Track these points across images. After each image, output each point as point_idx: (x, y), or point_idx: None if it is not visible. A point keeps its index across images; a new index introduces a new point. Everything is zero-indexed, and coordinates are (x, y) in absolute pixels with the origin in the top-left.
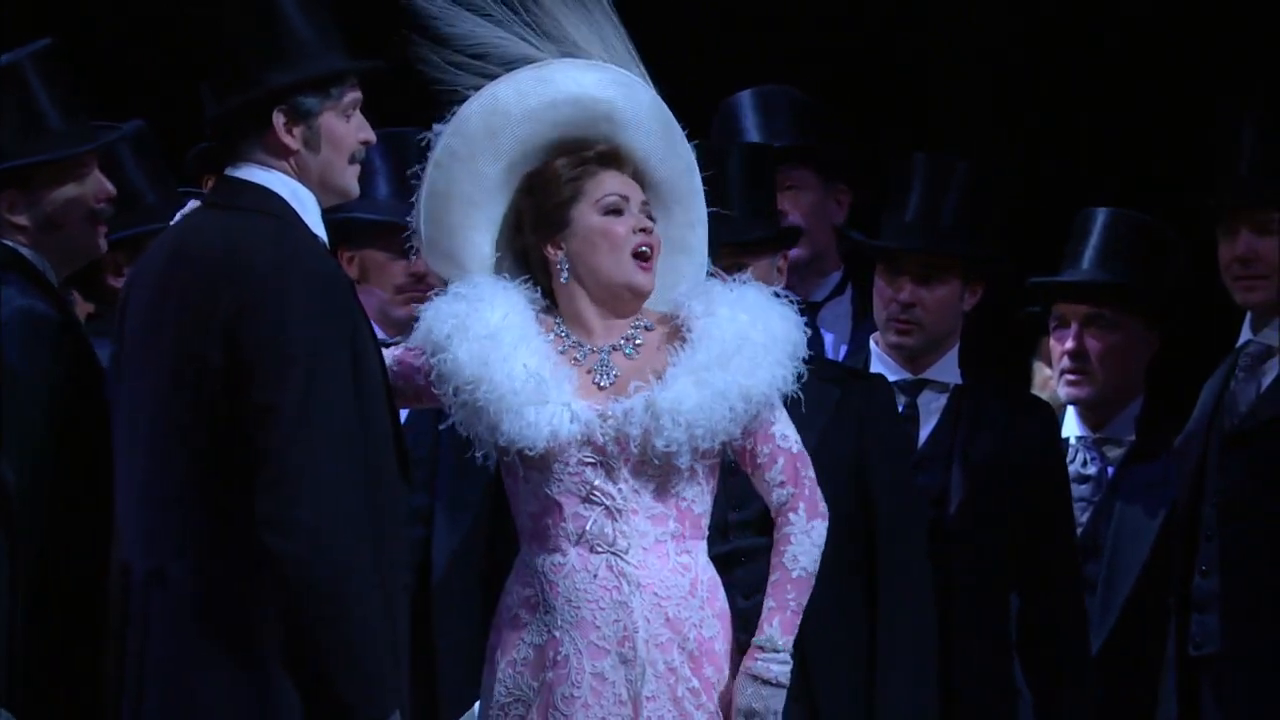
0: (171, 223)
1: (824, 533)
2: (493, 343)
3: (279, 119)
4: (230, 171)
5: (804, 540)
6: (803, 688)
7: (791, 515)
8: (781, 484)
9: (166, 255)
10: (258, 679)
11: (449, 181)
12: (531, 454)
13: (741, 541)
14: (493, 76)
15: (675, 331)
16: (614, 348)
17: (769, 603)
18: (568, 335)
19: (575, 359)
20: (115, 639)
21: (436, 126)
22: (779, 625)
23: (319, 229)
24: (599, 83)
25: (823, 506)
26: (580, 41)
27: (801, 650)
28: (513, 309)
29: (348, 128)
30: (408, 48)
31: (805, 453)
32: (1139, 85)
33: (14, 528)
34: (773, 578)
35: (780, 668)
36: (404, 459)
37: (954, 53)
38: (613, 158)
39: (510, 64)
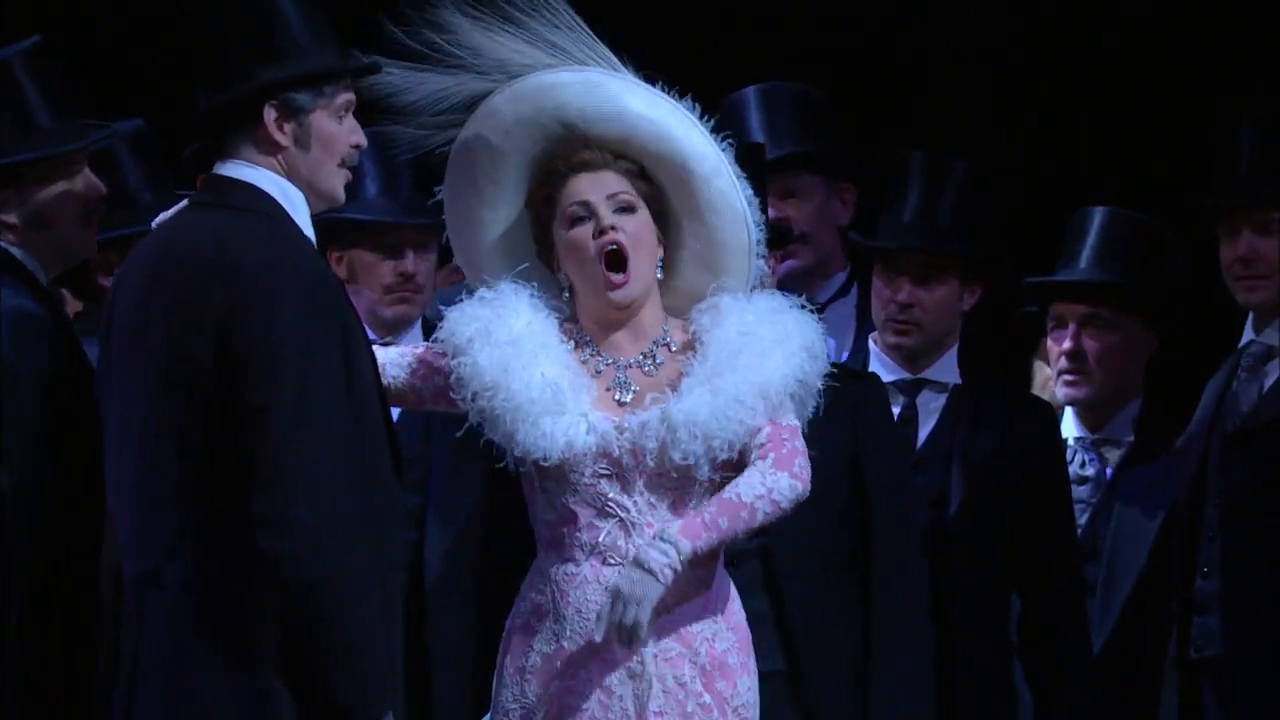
0: (156, 222)
1: (787, 489)
2: (514, 349)
3: (270, 114)
4: (219, 169)
5: (754, 475)
6: (797, 690)
7: (758, 462)
8: (761, 445)
9: (155, 255)
10: (253, 680)
11: (458, 224)
12: (546, 464)
13: (733, 544)
14: (461, 123)
15: (689, 344)
16: (633, 364)
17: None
18: (589, 345)
19: (596, 371)
20: (108, 640)
21: (438, 188)
22: (681, 525)
23: (308, 228)
24: (550, 93)
25: (800, 471)
26: (523, 60)
27: (795, 652)
28: (536, 317)
29: (339, 129)
30: (377, 124)
31: (797, 429)
32: (1137, 84)
33: (8, 529)
34: (709, 506)
35: (660, 558)
36: (398, 458)
37: (952, 52)
38: (581, 163)
39: (470, 105)
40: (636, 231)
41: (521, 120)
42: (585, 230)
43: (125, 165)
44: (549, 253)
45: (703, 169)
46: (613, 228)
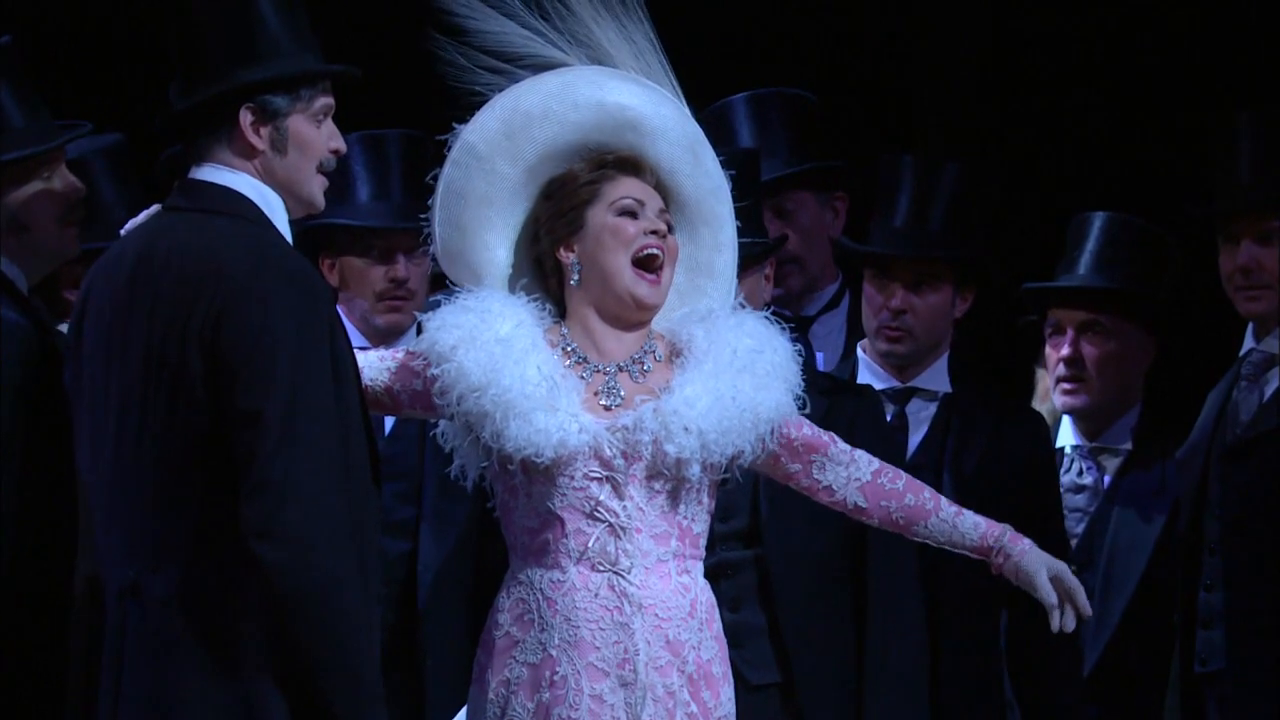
0: (126, 229)
1: None
2: (503, 348)
3: (246, 117)
4: (194, 173)
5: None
6: (791, 702)
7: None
8: (851, 450)
9: (132, 261)
10: (242, 693)
11: (465, 180)
12: (539, 462)
13: (728, 554)
14: (518, 78)
15: (677, 353)
16: (621, 368)
17: (974, 516)
18: (575, 351)
19: (581, 376)
20: (86, 656)
21: (457, 126)
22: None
23: (287, 234)
24: (626, 91)
25: None
26: (612, 51)
27: (790, 664)
28: (521, 323)
29: (317, 134)
30: (430, 43)
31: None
32: (1138, 88)
33: None
34: (951, 504)
35: None
36: (376, 464)
37: (947, 57)
38: (634, 165)
39: (537, 67)
40: (672, 250)
41: (597, 105)
42: (634, 222)
43: (100, 179)
44: (560, 233)
45: (727, 236)
46: (661, 236)
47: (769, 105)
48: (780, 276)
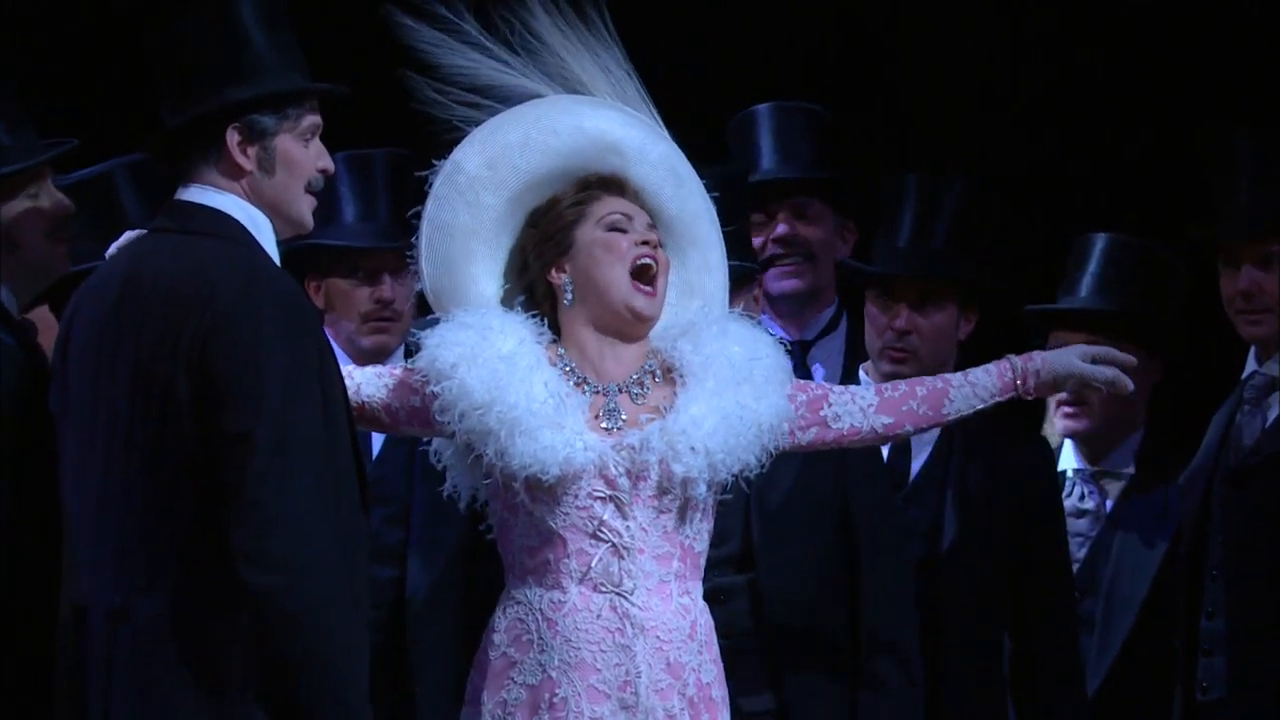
0: (110, 251)
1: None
2: (507, 366)
3: (233, 137)
4: (181, 194)
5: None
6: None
7: (855, 394)
8: (845, 387)
9: (119, 282)
10: (231, 716)
11: (450, 214)
12: (544, 479)
13: (721, 579)
14: (495, 110)
15: (671, 369)
16: (621, 388)
17: (977, 368)
18: (574, 371)
19: (583, 396)
20: (71, 683)
21: (436, 162)
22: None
23: (275, 255)
24: (605, 116)
25: None
26: (586, 79)
27: (783, 690)
28: (523, 340)
29: (305, 153)
30: (404, 80)
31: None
32: (1141, 109)
33: None
34: (953, 373)
35: None
36: (364, 488)
37: (949, 78)
38: (619, 184)
39: (511, 99)
40: (664, 263)
41: (576, 129)
42: (624, 236)
43: (124, 194)
44: (549, 256)
45: (715, 258)
46: (653, 247)
47: (794, 114)
48: (795, 272)
